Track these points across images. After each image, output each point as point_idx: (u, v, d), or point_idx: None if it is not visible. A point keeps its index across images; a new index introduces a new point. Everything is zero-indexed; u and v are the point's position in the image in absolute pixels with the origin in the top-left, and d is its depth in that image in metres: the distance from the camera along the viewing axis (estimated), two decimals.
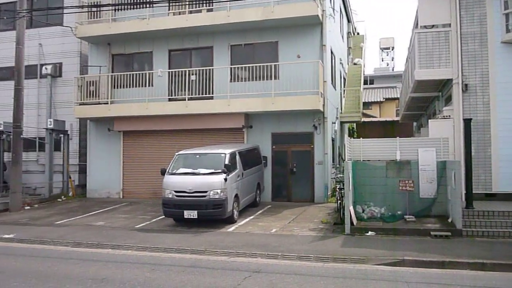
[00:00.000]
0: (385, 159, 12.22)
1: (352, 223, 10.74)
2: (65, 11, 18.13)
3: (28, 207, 16.23)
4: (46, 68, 19.91)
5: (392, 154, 12.37)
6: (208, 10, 16.77)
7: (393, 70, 47.90)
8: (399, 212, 11.55)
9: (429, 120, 13.69)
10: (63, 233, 11.48)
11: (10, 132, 16.76)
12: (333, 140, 17.39)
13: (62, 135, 18.97)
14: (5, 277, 7.58)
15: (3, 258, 9.31)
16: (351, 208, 11.06)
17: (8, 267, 8.43)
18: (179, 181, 12.02)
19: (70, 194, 18.88)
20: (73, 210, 15.42)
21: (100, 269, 8.05)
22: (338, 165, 17.61)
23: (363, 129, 27.90)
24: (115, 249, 9.90)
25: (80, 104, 18.00)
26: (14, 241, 10.98)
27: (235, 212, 12.42)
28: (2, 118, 18.91)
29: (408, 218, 11.26)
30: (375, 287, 6.86)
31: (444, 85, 13.96)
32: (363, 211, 11.71)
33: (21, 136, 15.95)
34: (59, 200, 18.01)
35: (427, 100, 16.75)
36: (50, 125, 18.23)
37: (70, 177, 19.17)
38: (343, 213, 11.11)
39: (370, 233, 10.47)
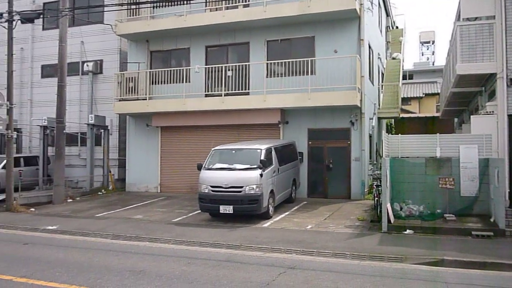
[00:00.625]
0: (424, 156, 11.91)
1: (389, 221, 10.54)
2: (105, 9, 18.57)
3: (71, 200, 16.77)
4: (87, 65, 20.50)
5: (432, 151, 12.03)
6: (245, 6, 16.78)
7: (433, 64, 46.63)
8: (438, 211, 11.25)
9: (471, 116, 13.24)
10: (103, 226, 11.80)
11: (53, 127, 17.35)
12: (370, 136, 17.11)
13: (102, 130, 19.48)
14: (49, 267, 7.86)
15: (47, 248, 9.66)
16: (389, 205, 10.86)
17: (51, 257, 8.76)
18: (215, 176, 12.12)
19: (110, 187, 19.39)
20: (113, 203, 15.83)
21: (138, 262, 8.23)
22: (375, 162, 17.36)
23: (402, 125, 27.29)
24: (152, 242, 10.10)
25: (119, 100, 18.42)
26: (58, 233, 11.37)
27: (271, 208, 12.42)
28: (46, 113, 19.61)
29: (448, 216, 10.95)
30: (412, 286, 6.72)
31: (487, 79, 13.45)
32: (401, 209, 11.47)
33: (64, 131, 16.48)
34: (99, 193, 18.53)
35: (469, 95, 16.20)
36: (91, 120, 18.77)
37: (110, 171, 19.68)
38: (380, 211, 10.92)
39: (408, 231, 10.25)
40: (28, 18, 15.84)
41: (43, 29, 22.12)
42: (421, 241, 9.40)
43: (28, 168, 19.03)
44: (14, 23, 15.11)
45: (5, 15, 14.94)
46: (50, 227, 11.82)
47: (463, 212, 11.25)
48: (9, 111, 15.07)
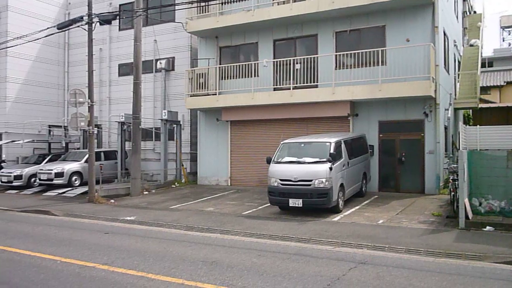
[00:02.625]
0: (505, 148, 11.19)
1: (467, 216, 10.03)
2: (176, 8, 19.14)
3: (146, 192, 17.57)
4: (160, 63, 21.31)
5: None
6: None
7: None
8: None
9: None
10: (177, 217, 12.25)
11: (130, 123, 18.23)
12: (445, 128, 16.33)
13: (175, 125, 20.18)
14: (128, 255, 8.31)
15: (126, 238, 10.21)
16: (467, 200, 10.33)
17: (130, 246, 9.24)
18: (284, 170, 12.16)
19: (183, 180, 20.07)
20: (186, 196, 16.38)
21: (210, 253, 8.47)
22: (451, 155, 16.53)
23: (480, 116, 25.74)
24: (223, 234, 10.34)
25: (191, 96, 18.98)
26: (135, 223, 11.97)
27: (340, 202, 12.27)
28: (123, 110, 20.67)
29: None
30: (493, 286, 6.36)
31: None
32: (480, 204, 10.85)
33: (140, 126, 17.26)
34: (173, 186, 19.24)
35: None
36: (164, 116, 19.51)
37: (182, 165, 20.36)
38: (457, 206, 10.41)
39: (488, 228, 9.70)
40: (106, 20, 16.70)
41: (119, 29, 23.27)
42: (503, 239, 8.87)
43: (108, 162, 20.19)
44: (93, 25, 16.00)
45: (85, 18, 15.84)
46: (129, 218, 12.46)
47: None
48: (90, 109, 16.03)
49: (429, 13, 15.28)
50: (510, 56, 39.85)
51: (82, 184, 18.69)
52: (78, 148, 22.48)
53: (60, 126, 23.56)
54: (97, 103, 21.93)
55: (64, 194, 17.61)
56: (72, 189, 18.23)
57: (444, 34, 16.64)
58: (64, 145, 23.81)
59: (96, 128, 16.73)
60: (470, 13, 26.67)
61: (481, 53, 23.79)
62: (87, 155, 16.88)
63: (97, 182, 16.39)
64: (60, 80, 25.21)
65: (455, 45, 19.88)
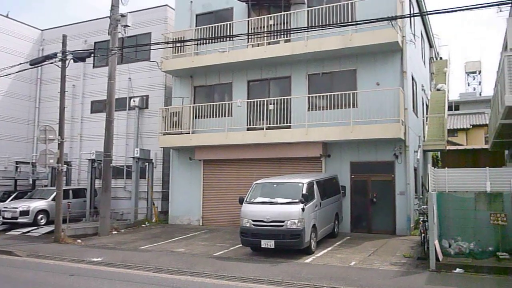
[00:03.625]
0: (473, 190, 11.44)
1: (437, 258, 10.11)
2: (152, 47, 19.30)
3: (115, 232, 17.10)
4: (134, 101, 21.27)
5: (481, 185, 11.58)
6: (286, 41, 17.05)
7: (480, 95, 45.37)
8: (490, 248, 10.70)
9: None
10: (146, 258, 11.92)
11: (101, 161, 17.93)
12: (415, 169, 16.67)
13: (147, 164, 19.95)
14: None
15: (91, 280, 9.83)
16: (437, 242, 10.44)
17: None
18: (256, 210, 12.09)
19: (154, 220, 19.68)
20: (156, 236, 16.01)
21: None
22: (421, 196, 16.82)
23: (448, 158, 26.41)
24: (194, 276, 10.09)
25: (164, 134, 18.89)
26: (102, 265, 11.57)
27: (313, 243, 12.20)
28: (94, 147, 20.34)
29: (501, 255, 10.38)
30: None
31: None
32: (450, 246, 10.99)
33: (111, 164, 16.98)
34: (143, 225, 18.82)
35: None
36: (136, 154, 19.31)
37: (153, 204, 20.02)
38: (428, 247, 10.50)
39: (458, 270, 9.78)
40: (80, 57, 16.67)
41: (94, 66, 23.25)
42: (472, 281, 8.95)
43: (76, 200, 19.69)
44: (67, 62, 15.94)
45: (59, 55, 15.79)
46: (95, 259, 12.05)
47: None
48: (60, 146, 15.73)
49: (397, 59, 15.85)
50: (475, 100, 41.51)
51: (49, 223, 18.09)
52: (46, 186, 21.91)
53: (28, 163, 22.97)
54: (68, 139, 21.58)
55: (28, 234, 16.96)
56: (38, 228, 17.59)
57: (412, 78, 17.23)
58: (31, 182, 23.17)
59: (65, 166, 16.38)
60: (436, 59, 27.79)
61: (448, 97, 24.69)
62: (54, 193, 16.44)
63: (64, 221, 15.88)
64: (31, 116, 24.80)
65: (423, 89, 20.58)
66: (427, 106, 22.47)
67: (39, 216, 18.40)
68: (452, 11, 10.65)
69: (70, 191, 19.87)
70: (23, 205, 18.27)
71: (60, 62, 15.86)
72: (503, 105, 12.88)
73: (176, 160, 19.67)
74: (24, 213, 18.02)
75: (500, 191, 11.14)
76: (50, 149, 15.79)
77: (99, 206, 17.63)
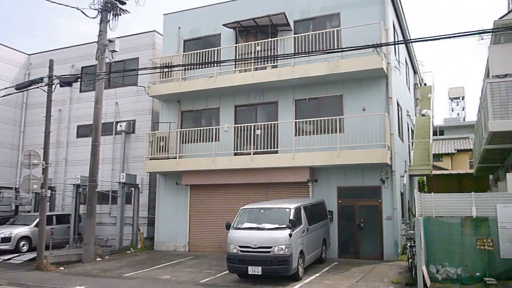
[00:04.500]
0: (459, 216, 11.50)
1: (425, 284, 10.08)
2: (139, 72, 19.35)
3: (100, 259, 16.76)
4: (120, 125, 21.17)
5: (467, 210, 11.63)
6: (273, 67, 17.22)
7: (464, 120, 46.05)
8: (477, 274, 10.72)
9: (507, 174, 12.86)
10: (130, 286, 11.68)
11: (86, 186, 17.70)
12: (402, 194, 16.73)
13: (133, 189, 19.74)
14: None
15: None
16: (424, 268, 10.42)
17: None
18: (243, 236, 11.97)
19: (139, 246, 19.36)
20: (141, 263, 15.73)
21: None
22: (408, 221, 16.84)
23: (434, 183, 26.64)
24: None
25: (150, 159, 18.76)
26: None
27: (300, 269, 12.07)
28: (80, 172, 20.10)
29: (489, 280, 10.40)
30: None
31: None
32: (437, 271, 10.98)
33: (96, 190, 16.77)
34: (128, 252, 18.48)
35: (503, 152, 15.82)
36: (122, 179, 19.09)
37: (139, 230, 19.72)
38: (415, 273, 10.46)
39: None
40: (66, 82, 16.63)
41: (80, 91, 23.19)
42: None
43: (60, 226, 19.33)
44: (53, 86, 15.87)
45: (46, 79, 15.72)
46: (78, 287, 11.76)
47: (504, 276, 10.68)
48: (44, 171, 15.51)
49: (383, 85, 16.08)
50: (459, 125, 42.14)
51: (31, 249, 17.69)
52: (29, 211, 21.51)
53: (11, 188, 22.57)
54: (53, 164, 21.33)
55: (10, 261, 16.52)
56: (19, 255, 17.15)
57: (398, 104, 17.47)
58: (14, 208, 22.72)
59: (49, 191, 16.12)
60: (421, 85, 28.28)
61: (432, 122, 25.05)
62: (37, 219, 16.12)
63: (47, 248, 15.53)
64: (15, 140, 24.51)
65: (408, 114, 20.86)
66: (412, 131, 22.74)
67: (21, 243, 17.99)
68: (435, 39, 10.88)
69: (54, 217, 19.50)
70: (4, 231, 17.86)
71: (47, 87, 15.78)
72: (486, 131, 13.10)
73: (162, 185, 19.50)
74: (6, 239, 17.61)
75: (486, 216, 11.20)
76: (34, 174, 15.57)
77: (83, 232, 17.30)
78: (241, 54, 18.06)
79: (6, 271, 14.63)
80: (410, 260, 11.78)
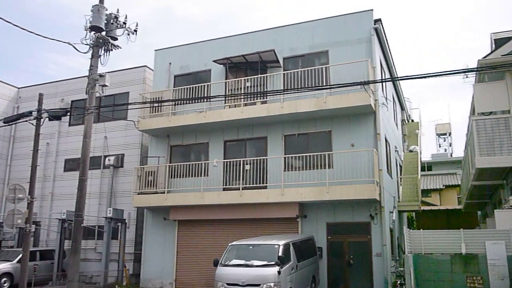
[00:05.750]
0: (449, 252, 11.46)
1: None
2: (129, 106, 19.38)
3: None
4: (109, 160, 21.03)
5: (457, 247, 11.61)
6: (263, 102, 17.38)
7: (451, 156, 46.56)
8: None
9: (495, 211, 12.91)
10: None
11: (71, 221, 17.37)
12: (391, 230, 16.67)
13: (120, 224, 19.42)
14: None
15: None
16: None
17: None
18: (231, 273, 11.78)
19: (124, 283, 18.88)
20: None
21: None
22: (398, 258, 16.72)
23: (423, 218, 26.65)
24: None
25: (138, 194, 18.56)
26: None
27: None
28: (66, 206, 19.81)
29: None
30: None
31: (508, 172, 13.31)
32: None
33: (82, 225, 16.43)
34: None
35: (491, 188, 15.96)
36: (109, 214, 18.81)
37: (125, 266, 19.29)
38: None
39: None
40: (55, 116, 16.54)
41: (69, 125, 23.13)
42: None
43: (44, 262, 18.88)
44: (42, 120, 15.79)
45: (34, 113, 15.65)
46: None
47: None
48: (30, 205, 15.21)
49: (371, 121, 16.27)
50: (447, 161, 42.55)
51: (12, 286, 17.20)
52: (12, 247, 20.96)
53: None
54: (39, 198, 21.02)
55: None
56: None
57: (386, 140, 17.64)
58: None
59: (33, 226, 15.78)
60: (408, 121, 28.69)
61: (420, 158, 25.29)
62: (20, 255, 15.70)
63: (29, 285, 15.09)
64: (1, 174, 24.19)
65: (396, 150, 21.04)
66: (400, 167, 22.88)
67: (3, 280, 17.48)
68: (421, 77, 11.11)
69: (37, 253, 19.06)
70: None
71: (35, 120, 15.70)
72: (473, 167, 13.24)
73: (150, 220, 19.23)
74: None
75: (475, 253, 11.17)
76: (19, 208, 15.28)
77: (67, 269, 16.85)
78: (231, 90, 18.25)
79: None
80: None
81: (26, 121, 15.99)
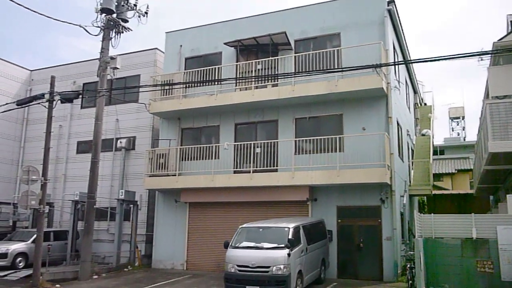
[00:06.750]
0: (459, 237, 11.41)
1: None
2: (140, 89, 19.42)
3: (96, 276, 16.60)
4: (120, 142, 21.18)
5: (468, 232, 11.54)
6: (273, 85, 17.28)
7: (464, 140, 46.02)
8: None
9: (507, 196, 12.78)
10: None
11: (84, 202, 17.61)
12: (402, 214, 16.63)
13: (132, 206, 19.63)
14: None
15: None
16: None
17: None
18: (241, 255, 11.87)
19: (136, 264, 19.17)
20: (138, 281, 15.56)
21: None
22: (408, 241, 16.71)
23: (434, 202, 26.52)
24: None
25: (150, 176, 18.72)
26: None
27: None
28: (79, 188, 20.03)
29: None
30: None
31: None
32: None
33: (94, 206, 16.69)
34: (125, 269, 18.30)
35: (504, 172, 15.78)
36: (121, 195, 19.01)
37: (137, 247, 19.56)
38: None
39: None
40: (67, 98, 16.68)
41: (81, 107, 23.25)
42: None
43: (57, 242, 19.16)
44: (54, 103, 15.91)
45: (47, 96, 15.77)
46: None
47: None
48: (43, 186, 15.46)
49: (383, 104, 16.12)
50: (460, 145, 42.11)
51: (27, 266, 17.51)
52: (27, 227, 21.35)
53: (9, 203, 22.46)
54: (52, 180, 21.26)
55: (5, 278, 16.35)
56: (16, 271, 16.99)
57: (398, 124, 17.48)
58: (11, 223, 22.58)
59: (47, 207, 16.03)
60: (421, 105, 28.37)
61: (433, 142, 25.05)
62: (34, 235, 15.99)
63: (44, 265, 15.39)
64: (15, 156, 24.49)
65: (408, 134, 20.87)
66: (412, 151, 22.72)
67: (18, 259, 17.82)
68: (434, 60, 10.94)
69: (51, 233, 19.37)
70: (1, 247, 17.71)
71: (47, 103, 15.82)
72: (486, 152, 13.08)
73: (161, 202, 19.41)
74: (2, 256, 17.45)
75: (486, 237, 11.11)
76: (33, 190, 15.50)
77: (81, 249, 17.17)
78: (242, 73, 18.17)
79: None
80: (410, 282, 11.67)
81: (38, 103, 16.15)
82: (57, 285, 14.72)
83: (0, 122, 23.40)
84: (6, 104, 18.39)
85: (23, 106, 18.37)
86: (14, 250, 17.80)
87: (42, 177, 15.48)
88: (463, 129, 50.20)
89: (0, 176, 23.62)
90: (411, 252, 12.16)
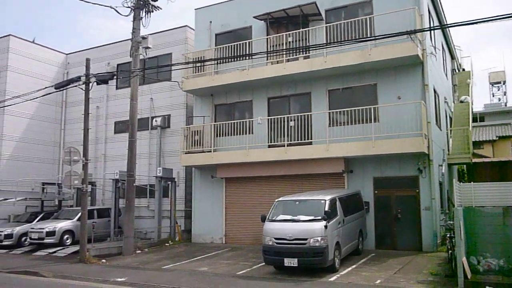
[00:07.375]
0: (500, 205, 11.13)
1: (466, 276, 9.81)
2: (173, 67, 19.58)
3: (139, 251, 17.20)
4: (156, 121, 21.55)
5: (509, 199, 11.26)
6: (305, 57, 17.07)
7: (506, 105, 44.35)
8: None
9: None
10: (169, 278, 11.93)
11: (124, 180, 18.13)
12: (440, 183, 16.34)
13: (170, 182, 20.07)
14: None
15: None
16: (464, 259, 10.14)
17: None
18: (279, 228, 12.00)
19: (177, 239, 19.72)
20: (179, 255, 16.03)
21: None
22: (447, 211, 16.44)
23: (475, 171, 25.79)
24: None
25: (186, 153, 19.03)
26: (126, 285, 11.62)
27: (337, 261, 12.01)
28: (118, 167, 20.62)
29: None
30: None
31: None
32: (479, 263, 10.64)
33: (134, 184, 17.16)
34: (166, 244, 18.86)
35: None
36: (159, 173, 19.46)
37: (176, 222, 20.08)
38: (455, 265, 10.22)
39: None
40: (103, 80, 17.03)
41: (117, 88, 23.71)
42: None
43: (101, 219, 19.89)
44: (90, 85, 16.29)
45: (83, 78, 16.15)
46: (119, 279, 12.12)
47: None
48: (84, 166, 15.99)
49: (419, 72, 15.69)
50: (501, 111, 40.62)
51: (74, 243, 18.31)
52: (72, 206, 22.25)
53: (54, 184, 23.39)
54: (92, 160, 21.92)
55: (54, 254, 17.20)
56: (63, 248, 17.83)
57: (435, 91, 17.01)
58: (57, 202, 23.57)
59: (89, 186, 16.62)
60: (459, 70, 27.43)
61: (472, 108, 24.28)
62: (79, 213, 16.65)
63: (89, 241, 16.05)
64: (56, 138, 25.34)
65: (445, 101, 20.29)
66: (450, 118, 22.12)
67: (65, 237, 18.64)
68: (472, 23, 10.52)
69: (95, 211, 20.11)
70: (49, 225, 18.55)
71: (84, 85, 16.22)
72: None
73: (198, 178, 19.75)
74: (51, 233, 18.28)
75: None
76: (75, 170, 16.07)
77: (123, 226, 17.77)
78: (273, 46, 18.00)
79: (51, 264, 15.23)
80: (450, 252, 11.53)
81: (75, 86, 16.56)
82: (103, 260, 15.35)
83: (41, 105, 24.18)
84: (45, 88, 18.97)
85: (61, 89, 18.90)
86: (61, 228, 18.61)
87: (83, 158, 15.99)
88: (505, 94, 48.32)
89: (44, 158, 24.56)
90: (451, 222, 11.96)
